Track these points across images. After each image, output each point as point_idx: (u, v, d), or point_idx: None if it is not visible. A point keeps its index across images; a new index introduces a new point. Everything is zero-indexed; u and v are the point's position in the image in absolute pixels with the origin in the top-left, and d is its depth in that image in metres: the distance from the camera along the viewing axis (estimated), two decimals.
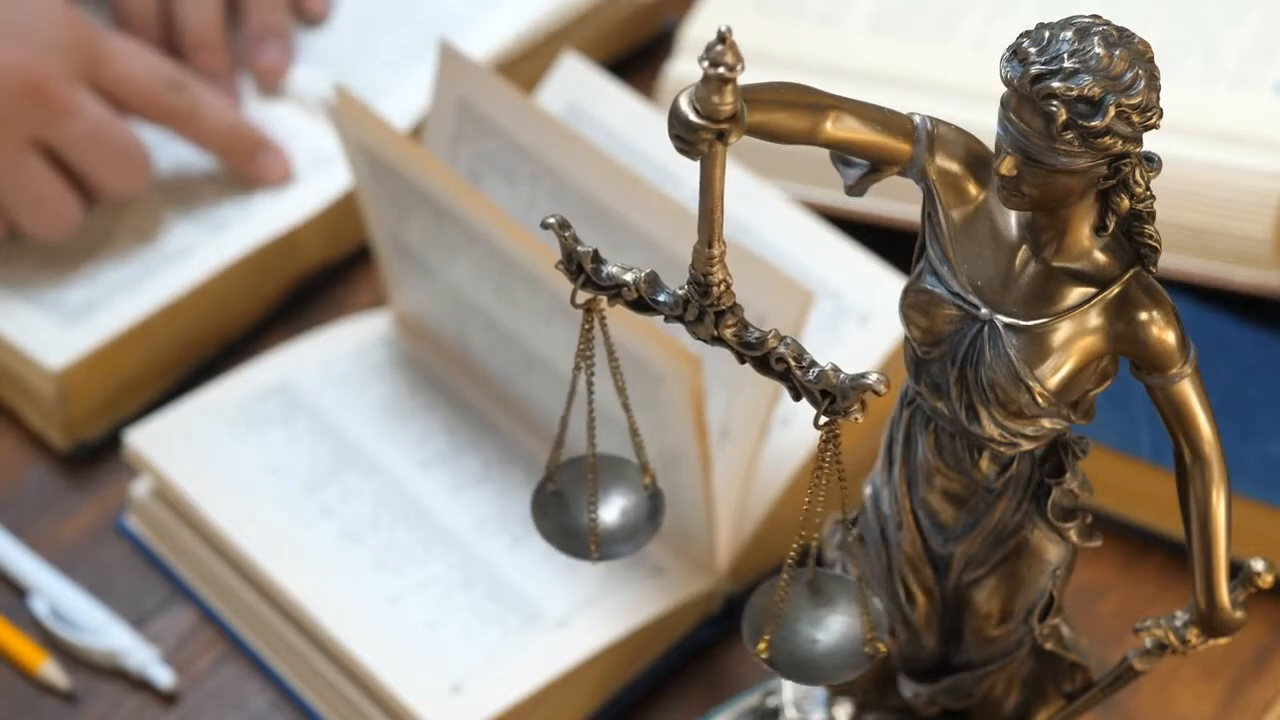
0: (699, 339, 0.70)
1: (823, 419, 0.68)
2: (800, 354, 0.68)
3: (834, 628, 0.73)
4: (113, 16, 1.17)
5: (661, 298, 0.69)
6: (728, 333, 0.69)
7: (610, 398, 0.76)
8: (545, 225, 0.69)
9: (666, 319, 0.70)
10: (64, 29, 1.06)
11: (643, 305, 0.70)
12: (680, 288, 0.69)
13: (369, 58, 1.18)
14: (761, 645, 0.73)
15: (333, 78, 1.14)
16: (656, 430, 0.91)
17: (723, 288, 0.68)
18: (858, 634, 0.73)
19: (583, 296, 0.71)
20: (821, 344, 0.98)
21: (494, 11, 1.19)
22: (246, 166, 1.11)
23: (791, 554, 0.72)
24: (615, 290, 0.70)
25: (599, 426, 0.76)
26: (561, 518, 0.78)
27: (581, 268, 0.70)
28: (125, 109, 1.09)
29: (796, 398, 0.69)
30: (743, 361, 0.69)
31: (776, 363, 0.69)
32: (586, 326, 0.72)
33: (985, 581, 0.77)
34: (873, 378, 0.67)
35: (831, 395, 0.68)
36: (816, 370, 0.68)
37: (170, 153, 1.13)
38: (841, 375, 0.67)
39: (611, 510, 0.78)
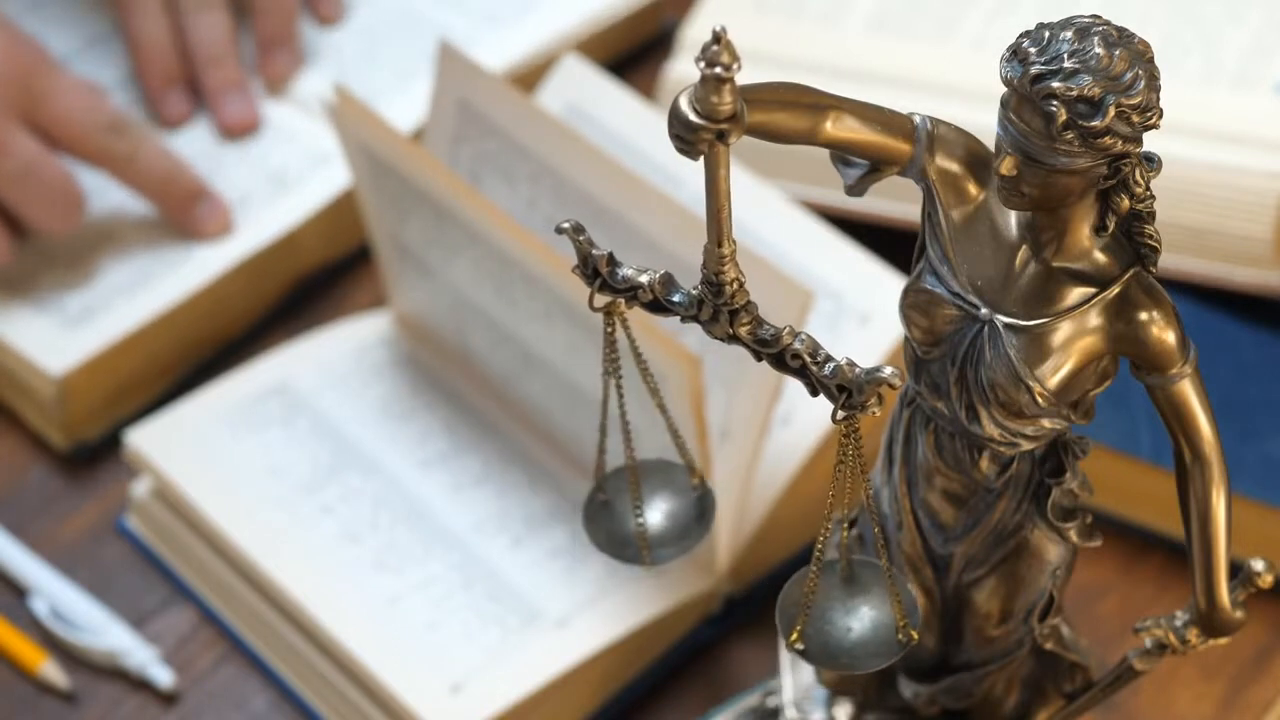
0: (715, 338, 0.70)
1: (840, 413, 0.68)
2: (815, 349, 0.68)
3: (866, 616, 0.73)
4: (124, 38, 1.17)
5: (676, 298, 0.70)
6: (742, 330, 0.69)
7: (627, 402, 0.76)
8: (560, 230, 0.69)
9: (682, 319, 0.70)
10: (1, 62, 1.05)
11: (658, 306, 0.70)
12: (694, 288, 0.69)
13: (373, 67, 1.18)
14: (794, 635, 0.73)
15: (335, 81, 1.14)
16: (657, 430, 0.91)
17: (735, 286, 0.68)
18: (890, 621, 0.73)
19: (600, 300, 0.71)
20: (822, 344, 0.98)
21: (500, 31, 1.19)
22: (182, 217, 1.09)
23: (818, 546, 0.72)
24: (631, 292, 0.70)
25: (613, 432, 0.76)
26: (612, 526, 0.78)
27: (598, 271, 0.70)
28: (62, 147, 1.07)
29: (814, 393, 0.69)
30: (759, 359, 0.70)
31: (792, 359, 0.69)
32: (609, 330, 0.73)
33: (985, 581, 0.77)
34: (887, 371, 0.67)
35: (848, 390, 0.68)
36: (832, 365, 0.68)
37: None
38: (857, 369, 0.68)
39: (657, 514, 0.78)
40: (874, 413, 0.68)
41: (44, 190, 1.06)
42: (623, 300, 0.71)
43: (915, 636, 0.73)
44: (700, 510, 0.78)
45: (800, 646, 0.73)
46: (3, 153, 1.05)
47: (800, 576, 0.73)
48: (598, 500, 0.78)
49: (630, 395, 0.76)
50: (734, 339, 0.69)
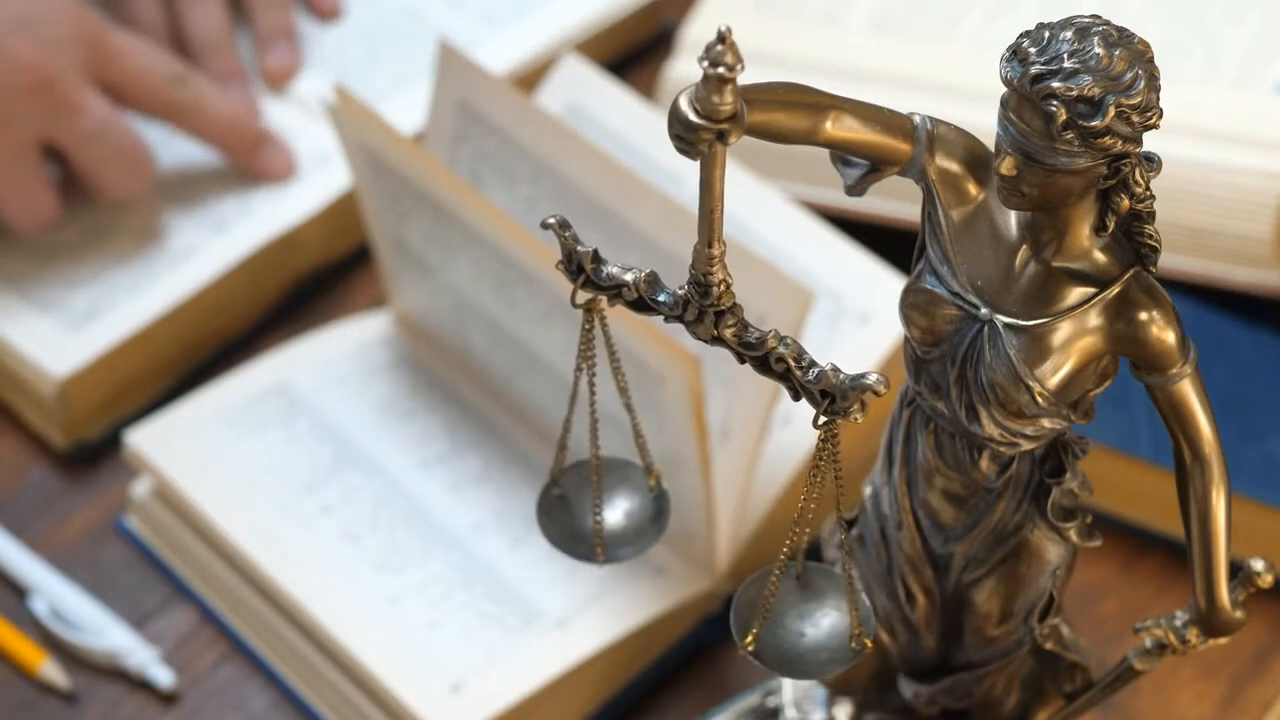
0: (699, 339, 0.70)
1: (822, 419, 0.68)
2: (800, 354, 0.68)
3: (821, 622, 0.73)
4: (118, 25, 1.17)
5: (661, 298, 0.69)
6: (728, 333, 0.69)
7: (612, 399, 0.75)
8: (545, 225, 0.69)
9: (666, 319, 0.70)
10: (72, 25, 1.06)
11: (642, 305, 0.70)
12: (680, 288, 0.69)
13: (373, 68, 1.18)
14: (749, 639, 0.73)
15: (335, 81, 1.14)
16: (656, 431, 0.91)
17: (723, 288, 0.68)
18: (845, 628, 0.73)
19: (583, 296, 0.71)
20: (821, 344, 0.98)
21: (501, 31, 1.19)
22: (250, 160, 1.11)
23: (785, 550, 0.72)
24: (615, 290, 0.70)
25: (602, 428, 0.76)
26: (567, 521, 0.78)
27: (581, 268, 0.70)
28: (130, 104, 1.09)
29: (796, 398, 0.69)
30: (742, 362, 0.69)
31: (776, 363, 0.68)
32: (587, 327, 0.72)
33: (985, 581, 0.77)
34: (872, 378, 0.67)
35: (831, 395, 0.68)
36: (816, 370, 0.68)
37: (171, 153, 1.13)
38: (841, 375, 0.67)
39: (616, 513, 0.78)
40: (856, 419, 0.68)
41: (117, 151, 1.07)
42: (604, 298, 0.70)
43: (869, 645, 0.73)
44: (657, 510, 0.78)
45: (752, 649, 0.73)
46: (80, 113, 1.05)
47: (756, 580, 0.73)
48: (553, 494, 0.78)
49: (614, 394, 0.76)
50: (718, 341, 0.69)
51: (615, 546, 0.77)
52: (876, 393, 0.67)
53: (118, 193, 1.09)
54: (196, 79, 1.10)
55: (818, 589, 0.74)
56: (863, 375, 0.67)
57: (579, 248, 0.69)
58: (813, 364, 0.68)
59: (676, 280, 0.70)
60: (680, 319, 0.69)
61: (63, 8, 1.06)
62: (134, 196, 1.10)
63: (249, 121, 1.11)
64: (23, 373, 1.06)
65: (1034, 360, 0.69)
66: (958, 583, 0.78)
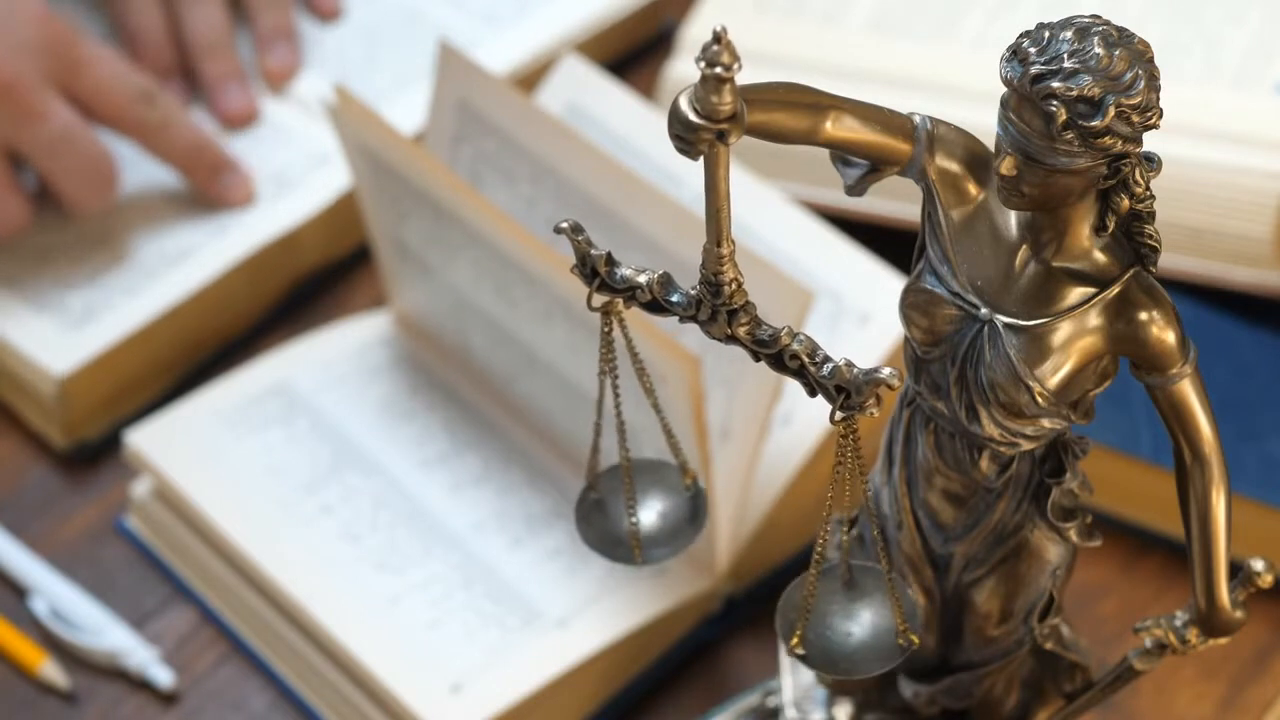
0: (713, 338, 0.70)
1: (839, 414, 0.68)
2: (814, 350, 0.68)
3: (866, 620, 0.73)
4: (116, 27, 1.17)
5: (675, 298, 0.70)
6: (741, 331, 0.69)
7: (624, 401, 0.76)
8: (558, 230, 0.69)
9: (681, 319, 0.70)
10: (39, 31, 1.04)
11: (656, 306, 0.70)
12: (692, 288, 0.69)
13: (373, 68, 1.18)
14: (794, 640, 0.73)
15: (335, 81, 1.14)
16: (657, 430, 0.91)
17: (734, 286, 0.68)
18: (890, 626, 0.73)
19: (599, 300, 0.71)
20: (822, 344, 0.98)
21: (501, 31, 1.19)
22: (209, 185, 1.10)
23: (818, 547, 0.72)
24: (630, 292, 0.70)
25: (610, 432, 0.76)
26: (604, 525, 0.78)
27: (596, 271, 0.70)
28: (95, 118, 1.07)
29: (812, 394, 0.69)
30: (757, 359, 0.70)
31: (790, 359, 0.69)
32: (606, 329, 0.73)
33: (985, 581, 0.77)
34: (885, 371, 0.67)
35: (846, 390, 0.68)
36: (830, 366, 0.68)
37: None
38: (855, 370, 0.68)
39: (651, 513, 0.78)
40: (872, 414, 0.68)
41: (80, 161, 1.06)
42: (620, 300, 0.71)
43: (915, 641, 0.73)
44: (693, 510, 0.78)
45: (800, 651, 0.73)
46: (41, 120, 1.04)
47: (801, 581, 0.73)
48: (590, 499, 0.78)
49: (629, 395, 0.76)
50: (732, 339, 0.69)
51: (652, 547, 0.77)
52: (891, 386, 0.67)
53: (79, 204, 1.08)
54: (166, 98, 1.09)
55: (861, 587, 0.74)
56: (876, 369, 0.67)
57: (593, 251, 0.70)
58: (826, 359, 0.68)
59: (682, 280, 0.70)
60: (694, 319, 0.70)
61: (30, 12, 1.04)
62: (97, 209, 1.08)
63: (212, 147, 1.10)
64: (23, 372, 1.06)
65: (1034, 360, 0.69)
66: (958, 583, 0.78)
